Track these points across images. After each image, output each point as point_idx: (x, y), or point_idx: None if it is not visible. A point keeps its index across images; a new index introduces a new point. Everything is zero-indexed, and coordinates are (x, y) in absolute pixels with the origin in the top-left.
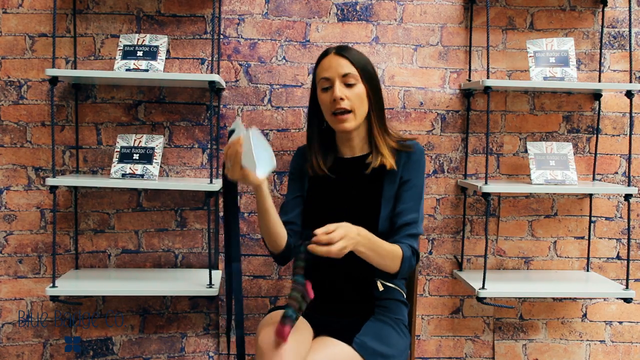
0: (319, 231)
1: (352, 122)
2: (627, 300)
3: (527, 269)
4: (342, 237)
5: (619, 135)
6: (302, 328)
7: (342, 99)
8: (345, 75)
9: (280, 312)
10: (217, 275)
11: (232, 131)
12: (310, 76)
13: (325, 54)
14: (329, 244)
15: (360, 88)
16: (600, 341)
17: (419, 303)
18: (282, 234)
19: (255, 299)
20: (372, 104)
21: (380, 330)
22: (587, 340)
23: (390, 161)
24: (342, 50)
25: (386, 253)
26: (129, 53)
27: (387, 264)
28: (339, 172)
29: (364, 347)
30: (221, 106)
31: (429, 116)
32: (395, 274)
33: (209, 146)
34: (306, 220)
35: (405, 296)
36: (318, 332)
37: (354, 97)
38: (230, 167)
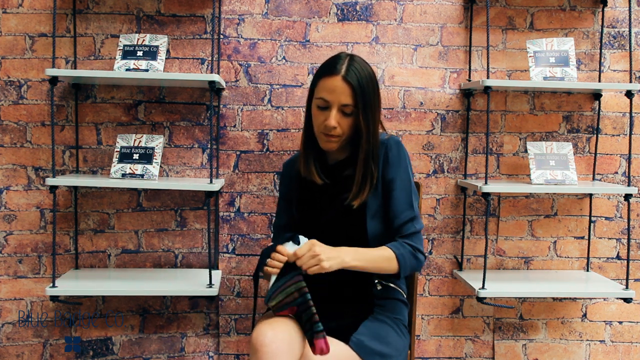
0: (300, 253)
1: (338, 144)
2: (627, 300)
3: (527, 269)
4: (321, 252)
5: (619, 135)
6: (299, 326)
7: (335, 127)
8: (344, 105)
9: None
10: (217, 275)
11: (297, 239)
12: (310, 76)
13: (332, 72)
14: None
15: (355, 119)
16: (600, 341)
17: (418, 303)
18: None
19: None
20: (365, 137)
21: (378, 329)
22: (587, 340)
23: (361, 198)
24: (349, 77)
25: (376, 257)
26: (129, 53)
27: (383, 267)
28: (326, 176)
29: (361, 346)
30: (221, 106)
31: (429, 116)
32: (398, 273)
33: (209, 146)
34: (298, 226)
35: (405, 296)
36: None
37: (347, 126)
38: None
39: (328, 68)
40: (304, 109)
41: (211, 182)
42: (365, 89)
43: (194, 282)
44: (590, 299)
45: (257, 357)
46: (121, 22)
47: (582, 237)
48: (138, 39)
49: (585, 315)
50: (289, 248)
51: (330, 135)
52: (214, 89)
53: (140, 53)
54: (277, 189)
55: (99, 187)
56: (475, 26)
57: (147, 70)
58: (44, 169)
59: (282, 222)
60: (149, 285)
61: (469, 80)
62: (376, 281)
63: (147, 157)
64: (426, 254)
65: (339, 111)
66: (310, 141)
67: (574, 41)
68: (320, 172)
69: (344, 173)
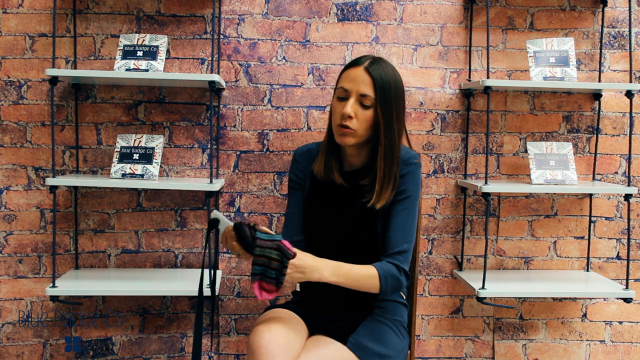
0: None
1: (352, 139)
2: (627, 300)
3: (527, 269)
4: (302, 265)
5: (619, 135)
6: (296, 327)
7: (350, 117)
8: (363, 96)
9: (277, 310)
10: (217, 275)
11: (215, 220)
12: (311, 76)
13: (356, 63)
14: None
15: (372, 113)
16: (600, 341)
17: (418, 303)
18: None
19: (255, 299)
20: (383, 131)
21: (377, 330)
22: (587, 340)
23: (385, 200)
24: (372, 69)
25: (357, 275)
26: (129, 53)
27: (364, 285)
28: (342, 179)
29: (360, 346)
30: (221, 106)
31: (429, 116)
32: (378, 293)
33: (209, 146)
34: (306, 226)
35: (405, 297)
36: (314, 331)
37: (363, 120)
38: (238, 254)
39: (352, 62)
40: (305, 109)
41: (211, 182)
42: (387, 84)
43: (194, 282)
44: (590, 299)
45: (254, 358)
46: (121, 22)
47: (582, 237)
48: (138, 39)
49: (585, 315)
50: (222, 224)
51: (345, 128)
52: (214, 89)
53: (140, 53)
54: (277, 188)
55: (99, 187)
56: (475, 26)
57: (147, 70)
58: (44, 169)
59: (293, 210)
60: (149, 285)
61: (469, 80)
62: None
63: (147, 157)
64: (409, 275)
65: (358, 102)
66: (332, 143)
67: (574, 41)
68: (340, 173)
69: (360, 182)
